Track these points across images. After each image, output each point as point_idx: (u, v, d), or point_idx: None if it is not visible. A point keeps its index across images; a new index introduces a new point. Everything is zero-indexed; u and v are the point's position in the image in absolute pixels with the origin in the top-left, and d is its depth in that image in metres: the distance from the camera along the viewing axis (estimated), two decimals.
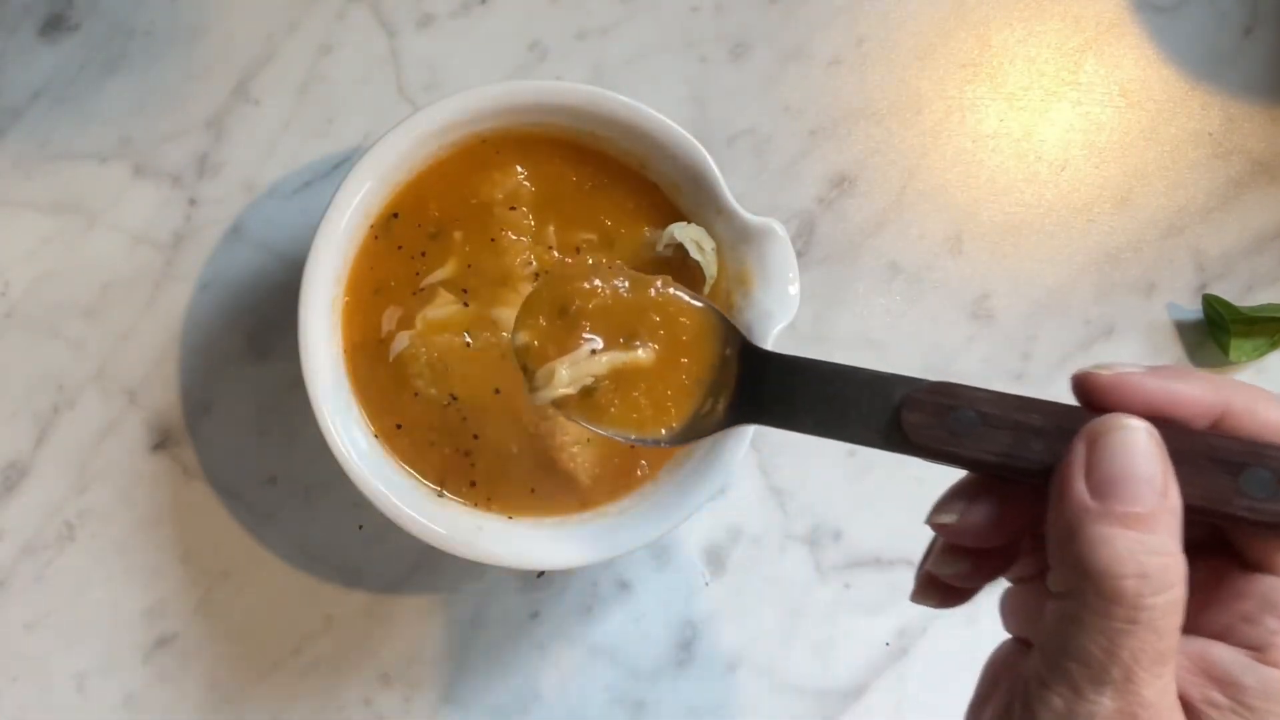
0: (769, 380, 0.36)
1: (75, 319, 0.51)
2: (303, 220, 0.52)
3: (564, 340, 0.38)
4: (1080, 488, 0.29)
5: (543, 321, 0.38)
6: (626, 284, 0.38)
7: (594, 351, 0.38)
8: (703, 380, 0.38)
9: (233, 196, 0.52)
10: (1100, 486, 0.29)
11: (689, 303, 0.38)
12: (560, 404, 0.38)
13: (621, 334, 0.38)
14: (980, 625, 0.52)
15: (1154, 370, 0.31)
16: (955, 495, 0.33)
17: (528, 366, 0.39)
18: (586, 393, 0.38)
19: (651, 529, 0.45)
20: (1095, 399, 0.31)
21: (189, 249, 0.51)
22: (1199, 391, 0.30)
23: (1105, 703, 0.28)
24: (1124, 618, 0.28)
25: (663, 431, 0.38)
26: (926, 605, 0.36)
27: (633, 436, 0.38)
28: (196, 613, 0.50)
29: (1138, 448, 0.29)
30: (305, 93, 0.52)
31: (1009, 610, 0.37)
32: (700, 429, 0.38)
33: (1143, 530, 0.28)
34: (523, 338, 0.39)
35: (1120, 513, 0.28)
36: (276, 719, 0.50)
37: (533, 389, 0.39)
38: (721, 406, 0.37)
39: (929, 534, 0.53)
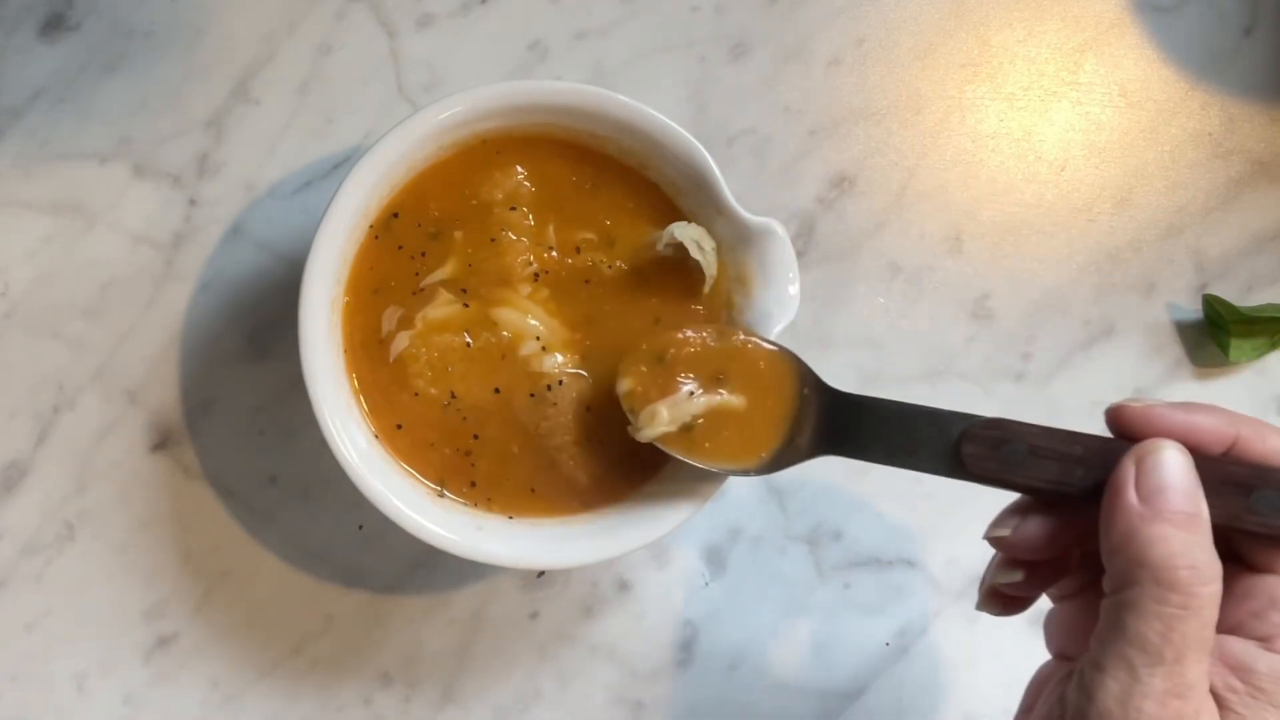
0: (842, 417, 0.42)
1: (75, 319, 0.51)
2: (303, 220, 0.52)
3: (664, 385, 0.43)
4: (1132, 496, 0.34)
5: (644, 369, 0.43)
6: (713, 335, 0.43)
7: (691, 394, 0.43)
8: (785, 417, 0.43)
9: (233, 196, 0.52)
10: (1150, 495, 0.34)
11: (766, 349, 0.43)
12: (662, 440, 0.43)
13: (712, 378, 0.43)
14: (980, 625, 0.53)
15: (1175, 405, 0.36)
16: (1010, 513, 0.38)
17: (634, 409, 0.43)
18: (685, 429, 0.43)
19: (651, 529, 0.45)
20: (1127, 429, 0.36)
21: (189, 249, 0.51)
22: (1214, 422, 0.36)
23: (1157, 683, 0.32)
24: (1178, 604, 0.32)
25: (753, 464, 0.43)
26: (989, 613, 0.41)
27: (726, 468, 0.43)
28: (196, 613, 0.50)
29: (1178, 464, 0.34)
30: (305, 93, 0.52)
31: (1052, 629, 0.41)
32: (786, 460, 0.43)
33: (1189, 530, 0.33)
34: (627, 384, 0.43)
35: (1170, 513, 0.33)
36: (276, 719, 0.51)
37: (638, 428, 0.43)
38: (804, 440, 0.42)
39: (928, 533, 0.53)
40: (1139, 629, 0.32)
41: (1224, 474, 0.35)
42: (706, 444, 0.43)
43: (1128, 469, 0.34)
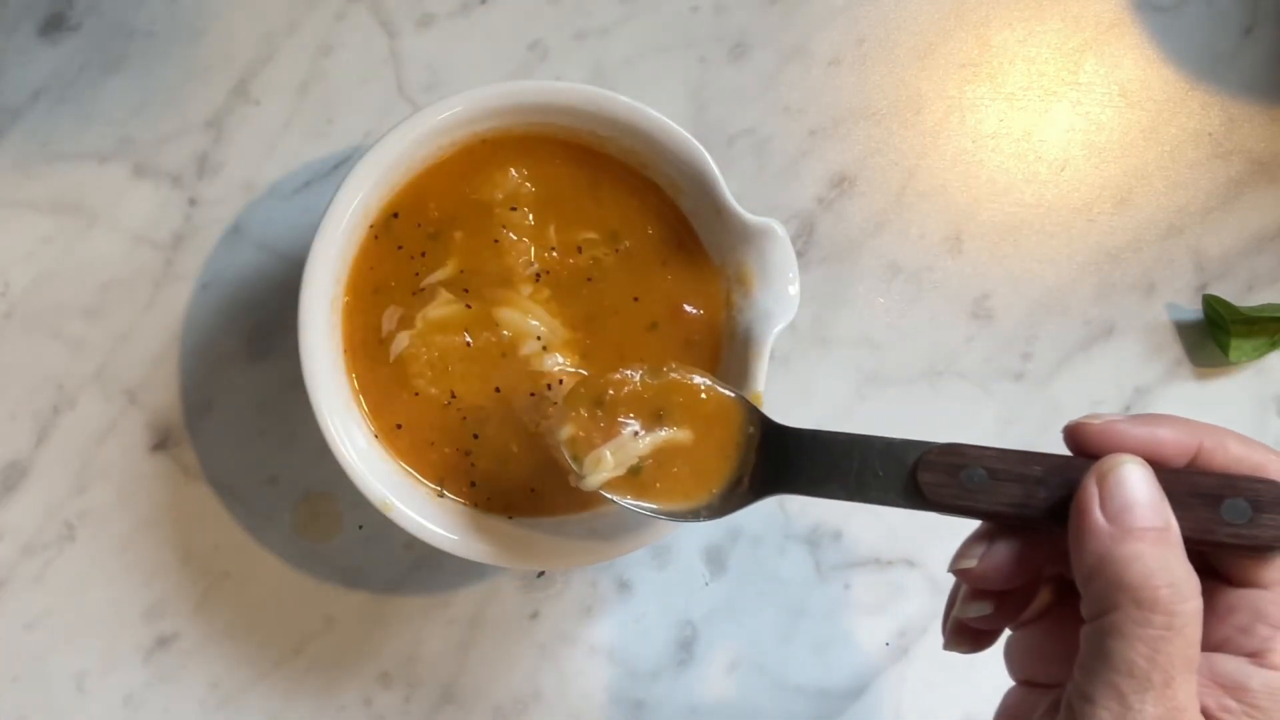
0: (792, 453, 0.40)
1: (75, 319, 0.51)
2: (303, 220, 0.52)
3: (606, 428, 0.41)
4: (1099, 517, 0.33)
5: (583, 413, 0.41)
6: (649, 372, 0.42)
7: (636, 434, 0.41)
8: (733, 454, 0.41)
9: (233, 196, 0.52)
10: (1116, 514, 0.33)
11: (698, 384, 0.42)
12: (610, 487, 0.41)
13: (654, 416, 0.41)
14: None
15: (1134, 418, 0.35)
16: (973, 542, 0.37)
17: (577, 455, 0.41)
18: (633, 472, 0.41)
19: (651, 529, 0.45)
20: (1086, 446, 0.35)
21: (189, 249, 0.51)
22: (1175, 434, 0.35)
23: (1149, 709, 0.31)
24: (1161, 624, 0.31)
25: (703, 505, 0.41)
26: (958, 651, 0.39)
27: (676, 511, 0.41)
28: (196, 613, 0.50)
29: (1140, 478, 0.33)
30: (305, 93, 0.52)
31: (1014, 655, 0.40)
32: (736, 502, 0.41)
33: (1162, 546, 0.32)
34: (568, 431, 0.41)
35: (1140, 530, 0.32)
36: (276, 719, 0.51)
37: (581, 475, 0.41)
38: (753, 480, 0.41)
39: (928, 533, 0.53)
40: (1124, 654, 0.31)
41: (1190, 486, 0.34)
42: (657, 484, 0.41)
43: (1090, 489, 0.33)
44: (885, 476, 0.37)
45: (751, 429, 0.41)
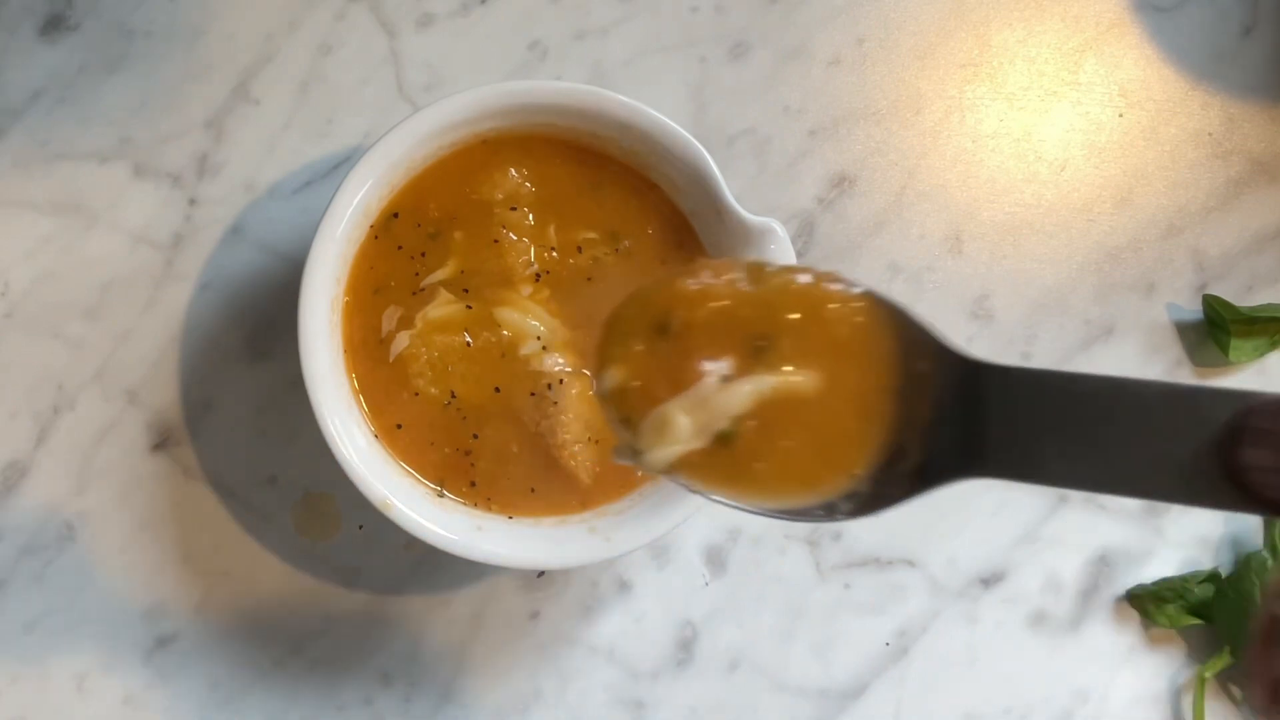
0: (992, 408, 0.25)
1: (75, 319, 0.51)
2: (303, 220, 0.52)
3: (676, 371, 0.26)
4: None
5: (638, 348, 0.26)
6: (744, 274, 0.26)
7: (726, 380, 0.26)
8: (887, 411, 0.25)
9: (233, 196, 0.52)
10: None
11: (847, 294, 0.26)
12: (685, 467, 0.26)
13: (752, 351, 0.26)
14: (980, 625, 0.52)
15: None
16: None
17: (630, 417, 0.27)
18: (722, 443, 0.26)
19: (651, 529, 0.45)
20: None
21: (189, 249, 0.51)
22: None
23: None
24: None
25: (839, 495, 0.25)
26: None
27: (792, 507, 0.26)
28: (196, 613, 0.50)
29: None
30: (305, 93, 0.52)
31: None
32: (895, 489, 0.25)
33: None
34: (614, 378, 0.27)
35: None
36: (276, 719, 0.50)
37: (638, 451, 0.26)
38: (924, 451, 0.25)
39: (928, 534, 0.53)
40: None
41: None
42: (760, 462, 0.26)
43: None
44: (1163, 448, 0.22)
45: (922, 365, 0.25)
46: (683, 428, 0.26)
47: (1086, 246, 0.54)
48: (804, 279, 0.26)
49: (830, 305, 0.25)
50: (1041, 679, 0.52)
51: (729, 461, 0.26)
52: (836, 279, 0.26)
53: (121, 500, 0.50)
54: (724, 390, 0.26)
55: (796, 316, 0.25)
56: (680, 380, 0.26)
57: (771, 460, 0.26)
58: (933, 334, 0.26)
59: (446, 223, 0.46)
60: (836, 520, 0.26)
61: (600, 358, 0.28)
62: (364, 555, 0.51)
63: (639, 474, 0.46)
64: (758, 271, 0.26)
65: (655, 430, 0.26)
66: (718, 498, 0.27)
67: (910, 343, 0.26)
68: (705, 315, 0.26)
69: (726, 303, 0.26)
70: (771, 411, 0.26)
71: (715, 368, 0.26)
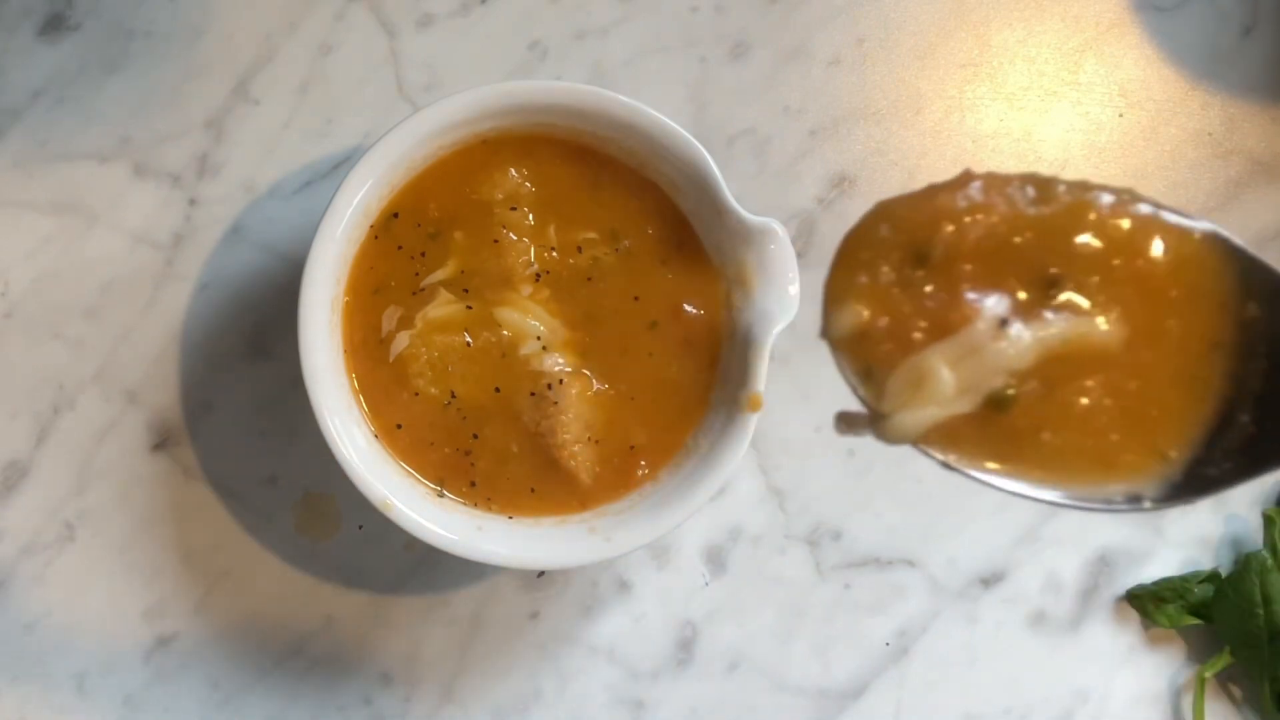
0: None
1: (75, 319, 0.51)
2: (303, 220, 0.52)
3: (937, 310, 0.20)
4: None
5: (887, 278, 0.21)
6: (1033, 193, 0.20)
7: (1003, 325, 0.20)
8: (1210, 369, 0.20)
9: (233, 196, 0.52)
10: None
11: (1164, 223, 0.21)
12: (940, 436, 0.20)
13: (1042, 286, 0.20)
14: (980, 625, 0.52)
15: None
16: None
17: (872, 367, 0.21)
18: (994, 407, 0.20)
19: (651, 529, 0.45)
20: None
21: (189, 249, 0.51)
22: None
23: None
24: None
25: (1149, 477, 0.20)
26: None
27: (1087, 492, 0.21)
28: (196, 613, 0.50)
29: None
30: (305, 93, 0.52)
31: None
32: (1216, 468, 0.20)
33: None
34: (851, 317, 0.21)
35: None
36: (276, 719, 0.50)
37: (885, 414, 0.21)
38: (1248, 425, 0.20)
39: (928, 534, 0.53)
40: None
41: None
42: (1043, 435, 0.21)
43: None
44: None
45: (1253, 307, 0.20)
46: (945, 384, 0.20)
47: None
48: (1105, 199, 0.21)
49: (1140, 236, 0.20)
50: (1041, 679, 0.52)
51: (1003, 432, 0.20)
52: (1142, 198, 0.21)
53: (121, 500, 0.50)
54: (1000, 338, 0.20)
55: (1098, 245, 0.20)
56: (943, 323, 0.20)
57: (1062, 432, 0.20)
58: (1270, 268, 0.20)
59: (446, 223, 0.46)
60: (1138, 511, 0.21)
61: (833, 291, 0.22)
62: (364, 555, 0.51)
63: (639, 473, 0.46)
64: (1046, 187, 0.20)
65: (908, 386, 0.20)
66: (983, 474, 0.21)
67: (1241, 281, 0.20)
68: (977, 239, 0.20)
69: (1008, 227, 0.20)
70: (1062, 368, 0.20)
71: (990, 308, 0.20)
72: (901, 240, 0.22)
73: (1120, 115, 0.55)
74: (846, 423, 0.23)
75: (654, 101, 0.45)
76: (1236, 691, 0.52)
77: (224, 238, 0.51)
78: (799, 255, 0.47)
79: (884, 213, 0.23)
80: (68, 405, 0.51)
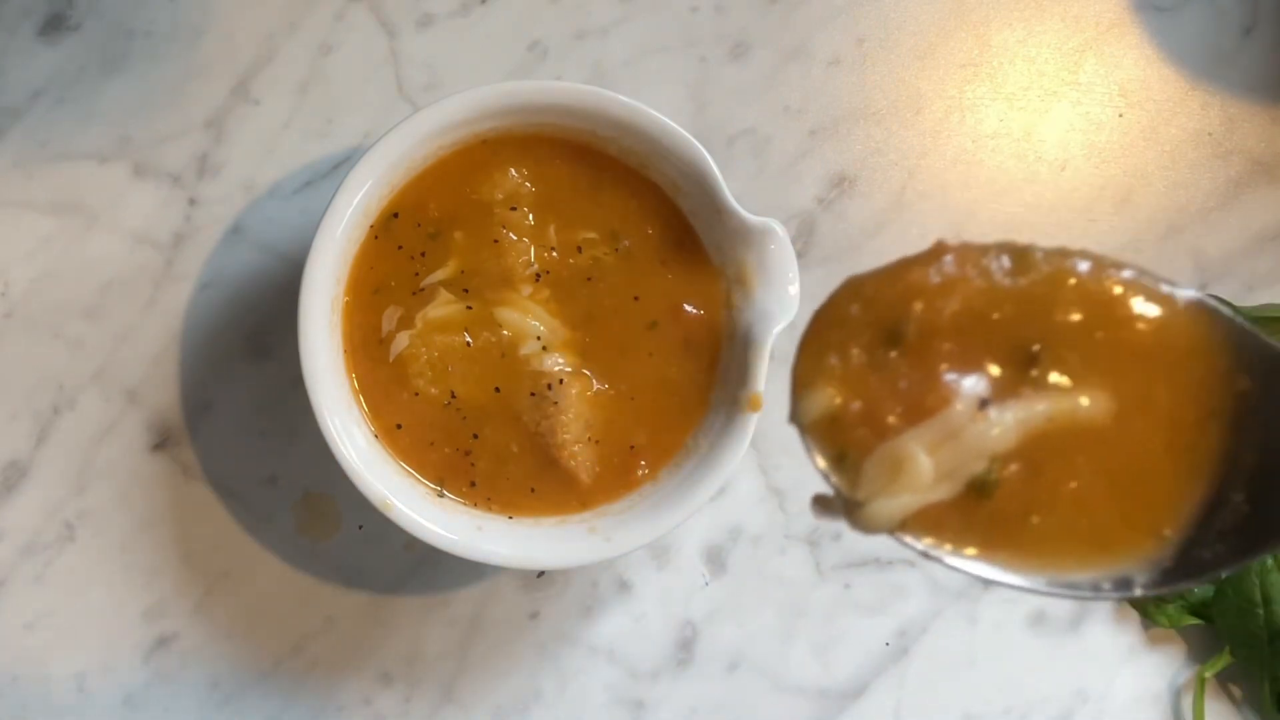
0: None
1: (75, 319, 0.51)
2: (303, 220, 0.52)
3: (912, 392, 0.20)
4: None
5: (858, 360, 0.20)
6: (1008, 263, 0.19)
7: (982, 404, 0.19)
8: (1203, 446, 0.19)
9: (233, 196, 0.52)
10: None
11: (1147, 289, 0.19)
12: (921, 523, 0.20)
13: (1021, 362, 0.19)
14: (980, 625, 0.52)
15: None
16: None
17: (844, 455, 0.21)
18: (977, 492, 0.20)
19: (651, 529, 0.45)
20: None
21: (189, 249, 0.51)
22: None
23: None
24: None
25: (1141, 560, 0.19)
26: None
27: (1077, 577, 0.20)
28: (196, 613, 0.50)
29: None
30: (305, 93, 0.52)
31: None
32: (1210, 550, 0.19)
33: None
34: (822, 401, 0.21)
35: None
36: (276, 719, 0.50)
37: (860, 503, 0.20)
38: (1242, 504, 0.19)
39: None
40: None
41: None
42: (1031, 520, 0.20)
43: None
44: None
45: (1245, 380, 0.19)
46: (923, 470, 0.19)
47: (1086, 246, 0.54)
48: (1084, 267, 0.20)
49: (1126, 306, 0.19)
50: (1041, 679, 0.52)
51: (988, 518, 0.19)
52: (1126, 265, 0.20)
53: (121, 500, 0.50)
54: (980, 419, 0.19)
55: (1078, 318, 0.19)
56: (919, 405, 0.19)
57: (1051, 514, 0.19)
58: (1261, 338, 0.19)
59: (446, 223, 0.46)
60: (1128, 597, 0.20)
61: (802, 374, 0.21)
62: (364, 555, 0.51)
63: (639, 473, 0.46)
64: (1022, 256, 0.20)
65: (884, 473, 0.20)
66: (961, 564, 0.21)
67: (1232, 352, 0.19)
68: (953, 316, 0.19)
69: (981, 299, 0.19)
70: (1047, 448, 0.19)
71: (968, 388, 0.19)
72: (872, 319, 0.21)
73: (1120, 115, 0.55)
74: (822, 506, 0.22)
75: (654, 101, 0.45)
76: (1236, 691, 0.52)
77: (224, 238, 0.51)
78: (799, 255, 0.47)
79: (854, 290, 0.22)
80: (68, 405, 0.51)
